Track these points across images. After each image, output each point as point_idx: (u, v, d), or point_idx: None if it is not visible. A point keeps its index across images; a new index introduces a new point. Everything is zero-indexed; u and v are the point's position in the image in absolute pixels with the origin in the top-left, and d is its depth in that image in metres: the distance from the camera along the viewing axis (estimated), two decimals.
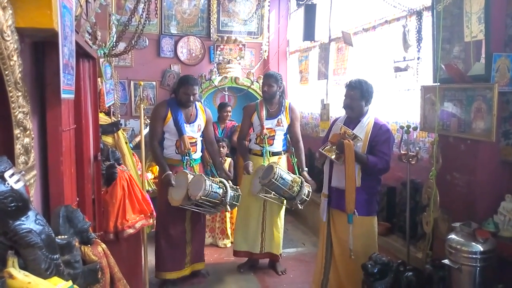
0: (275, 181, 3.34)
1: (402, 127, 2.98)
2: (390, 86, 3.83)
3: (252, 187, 3.64)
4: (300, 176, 3.58)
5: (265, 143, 3.68)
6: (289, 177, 3.46)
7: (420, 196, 2.87)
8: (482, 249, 2.21)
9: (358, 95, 2.90)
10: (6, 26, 1.13)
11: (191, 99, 3.41)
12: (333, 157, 2.83)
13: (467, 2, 2.52)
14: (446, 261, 2.31)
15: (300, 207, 3.60)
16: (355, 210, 2.77)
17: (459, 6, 2.59)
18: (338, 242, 2.97)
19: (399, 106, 3.73)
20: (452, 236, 2.35)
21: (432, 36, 2.83)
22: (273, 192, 3.52)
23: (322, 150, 2.92)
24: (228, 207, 3.42)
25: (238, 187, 3.59)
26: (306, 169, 3.80)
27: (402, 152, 2.98)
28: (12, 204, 1.05)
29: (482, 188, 2.52)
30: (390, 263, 2.61)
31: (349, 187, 2.76)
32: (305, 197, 3.51)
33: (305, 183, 3.54)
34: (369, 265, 2.60)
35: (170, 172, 3.34)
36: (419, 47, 3.38)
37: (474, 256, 2.21)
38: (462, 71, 2.54)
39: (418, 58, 3.39)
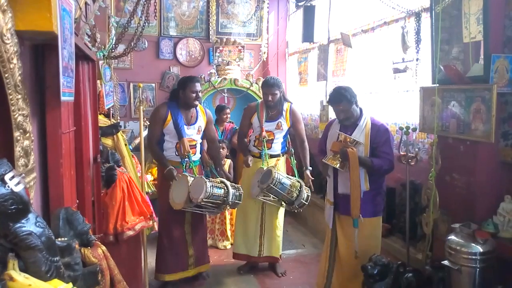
0: (274, 186, 3.34)
1: (401, 128, 2.98)
2: (389, 87, 3.84)
3: (252, 190, 3.64)
4: (300, 180, 3.57)
5: (264, 147, 3.68)
6: (288, 181, 3.46)
7: (420, 197, 2.87)
8: (481, 250, 2.21)
9: (347, 105, 2.87)
10: (6, 29, 1.13)
11: (199, 95, 3.45)
12: (337, 166, 2.83)
13: (465, 3, 2.53)
14: (445, 262, 2.32)
15: (300, 211, 3.61)
16: (360, 215, 2.79)
17: (457, 7, 2.60)
18: (346, 246, 2.96)
19: (398, 107, 3.74)
20: (452, 237, 2.35)
21: (431, 37, 2.83)
22: (272, 195, 3.52)
23: (326, 160, 2.91)
24: (230, 206, 3.42)
25: (239, 185, 3.58)
26: (310, 168, 3.76)
27: (402, 153, 2.98)
28: (13, 207, 1.05)
29: (481, 189, 2.52)
30: (390, 264, 2.62)
31: (354, 193, 2.77)
32: (304, 201, 3.51)
33: (304, 187, 3.53)
34: (369, 266, 2.61)
35: (172, 167, 3.33)
36: (418, 49, 3.39)
37: (473, 257, 2.21)
38: (461, 72, 2.54)
39: (417, 60, 3.39)
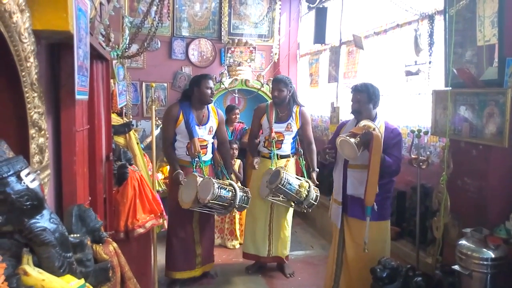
0: (282, 187, 3.35)
1: (413, 131, 2.96)
2: (401, 90, 3.81)
3: (261, 191, 3.65)
4: (308, 180, 3.57)
5: (273, 147, 3.69)
6: (296, 181, 3.46)
7: (431, 201, 2.85)
8: (493, 256, 2.18)
9: (365, 98, 2.88)
10: (23, 29, 1.15)
11: (214, 92, 3.52)
12: (353, 142, 2.63)
13: (480, 6, 2.50)
14: (456, 267, 2.29)
15: (309, 211, 3.61)
16: (374, 203, 2.69)
17: (471, 10, 2.57)
18: (354, 248, 2.94)
19: (410, 110, 3.71)
20: (463, 242, 2.33)
21: (444, 40, 2.81)
22: (282, 196, 3.52)
23: (343, 135, 2.74)
24: (237, 209, 3.44)
25: (248, 189, 3.60)
26: (317, 170, 3.78)
27: (413, 156, 2.95)
28: (28, 203, 1.07)
29: (493, 194, 2.49)
30: (399, 268, 2.60)
31: (372, 179, 2.66)
32: (312, 201, 3.51)
33: (313, 187, 3.53)
34: (378, 270, 2.59)
35: (181, 171, 3.37)
36: (430, 51, 3.36)
37: (485, 262, 2.19)
38: (474, 76, 2.51)
39: (430, 62, 3.36)
